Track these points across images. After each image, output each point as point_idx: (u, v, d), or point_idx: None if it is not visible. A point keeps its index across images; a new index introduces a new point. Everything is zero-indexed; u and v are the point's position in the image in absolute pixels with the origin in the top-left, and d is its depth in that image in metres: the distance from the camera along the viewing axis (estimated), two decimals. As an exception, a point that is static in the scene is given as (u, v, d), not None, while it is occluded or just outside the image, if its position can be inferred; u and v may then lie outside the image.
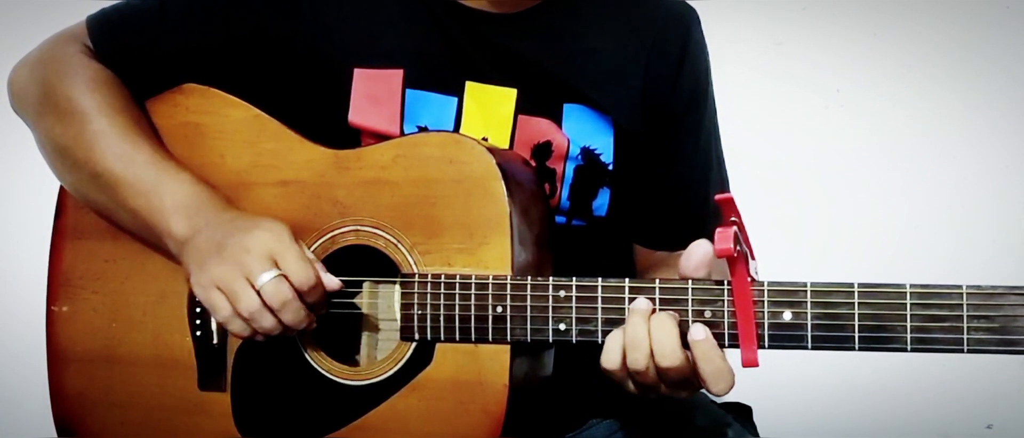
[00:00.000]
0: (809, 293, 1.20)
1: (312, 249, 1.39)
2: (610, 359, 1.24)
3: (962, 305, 1.16)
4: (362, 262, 1.39)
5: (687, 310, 1.24)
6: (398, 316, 1.35)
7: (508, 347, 1.31)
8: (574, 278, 1.28)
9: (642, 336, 1.22)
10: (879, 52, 2.18)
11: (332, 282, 1.35)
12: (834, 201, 2.18)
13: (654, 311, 1.24)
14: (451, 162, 1.34)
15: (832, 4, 2.18)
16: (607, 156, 1.48)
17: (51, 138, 1.47)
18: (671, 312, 1.23)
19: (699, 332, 1.22)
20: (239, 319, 1.33)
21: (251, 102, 1.45)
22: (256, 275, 1.31)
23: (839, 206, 2.18)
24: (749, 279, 1.21)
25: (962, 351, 1.17)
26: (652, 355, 1.22)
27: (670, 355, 1.21)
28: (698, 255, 1.23)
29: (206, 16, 1.46)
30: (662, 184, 1.51)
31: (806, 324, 1.20)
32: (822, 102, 2.19)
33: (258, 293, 1.31)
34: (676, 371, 1.22)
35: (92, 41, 1.49)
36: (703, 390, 1.24)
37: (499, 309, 1.30)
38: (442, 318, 1.33)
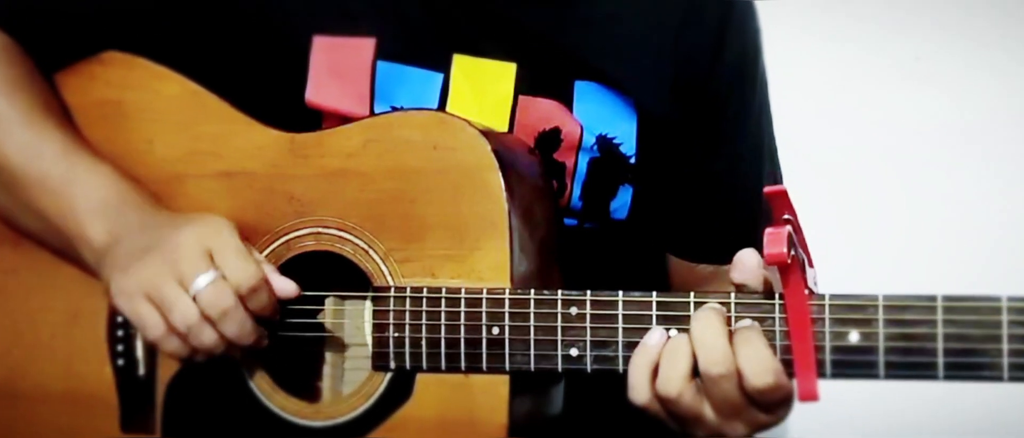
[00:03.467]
0: (881, 309, 1.21)
1: (263, 256, 1.39)
2: (638, 367, 1.24)
3: (1074, 322, 1.17)
4: (325, 272, 1.40)
5: (731, 329, 1.24)
6: (369, 340, 1.36)
7: (506, 378, 1.32)
8: (588, 292, 1.29)
9: (717, 342, 1.22)
10: (969, 9, 2.18)
11: (284, 286, 1.36)
12: (912, 194, 2.18)
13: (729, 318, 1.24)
14: (435, 148, 1.35)
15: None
16: (628, 147, 1.49)
17: (-68, 123, 1.48)
18: (715, 306, 1.24)
19: (745, 321, 1.24)
20: (174, 336, 1.34)
21: (187, 75, 1.46)
22: (191, 278, 1.32)
23: (918, 200, 2.17)
24: (806, 291, 1.21)
25: (1072, 381, 1.17)
26: (739, 374, 1.21)
27: (720, 361, 1.21)
28: (745, 267, 1.24)
29: (130, -37, 1.47)
30: (699, 181, 1.52)
31: (878, 347, 1.21)
32: (898, 72, 2.19)
33: (195, 300, 1.32)
34: (726, 379, 1.22)
35: (-15, 0, 1.50)
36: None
37: (495, 330, 1.31)
38: (424, 342, 1.33)
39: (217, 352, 1.35)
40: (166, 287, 1.32)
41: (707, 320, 1.23)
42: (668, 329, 1.25)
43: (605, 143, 1.48)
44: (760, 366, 1.21)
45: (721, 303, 1.25)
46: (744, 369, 1.21)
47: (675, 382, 1.23)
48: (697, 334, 1.22)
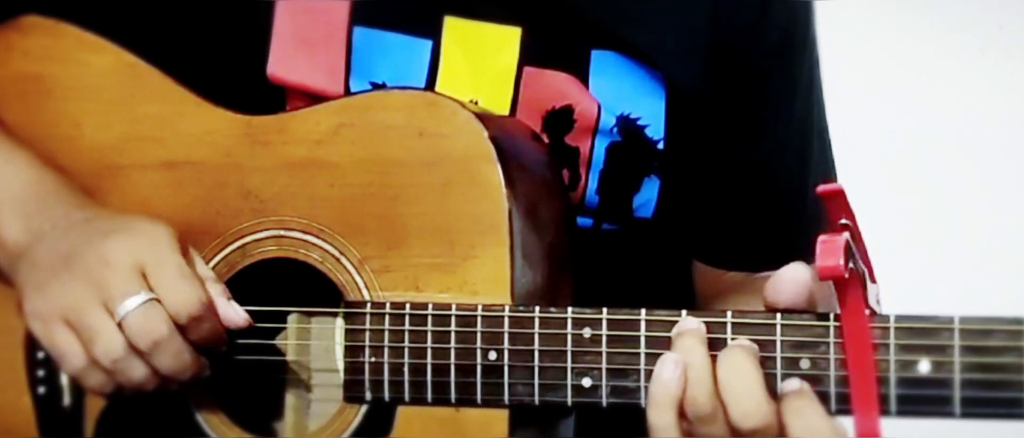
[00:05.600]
0: (957, 332, 1.20)
1: (213, 263, 1.40)
2: (660, 407, 1.23)
3: None
4: (288, 284, 1.40)
5: (775, 357, 1.24)
6: (341, 365, 1.36)
7: (505, 413, 1.31)
8: (605, 310, 1.28)
9: (701, 367, 1.22)
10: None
11: (232, 315, 1.36)
12: (993, 191, 2.17)
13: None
14: (421, 135, 1.35)
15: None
16: (656, 130, 1.49)
17: None
18: (745, 343, 1.23)
19: (793, 382, 1.23)
20: (98, 370, 1.33)
21: (123, 45, 1.46)
22: (118, 300, 1.31)
23: (1000, 198, 2.17)
24: (868, 312, 1.20)
25: None
26: (725, 411, 1.22)
27: (754, 412, 1.21)
28: (792, 283, 1.23)
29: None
30: (737, 172, 1.53)
31: (953, 380, 1.20)
32: (978, 45, 2.18)
33: (122, 327, 1.32)
34: (761, 435, 1.22)
35: None
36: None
37: (493, 355, 1.30)
38: (407, 368, 1.33)
39: (148, 387, 1.35)
40: (88, 312, 1.32)
41: (738, 364, 1.22)
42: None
43: (628, 125, 1.48)
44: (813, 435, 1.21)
45: (764, 324, 1.24)
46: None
47: (704, 402, 1.22)
48: (726, 381, 1.22)
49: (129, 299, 1.31)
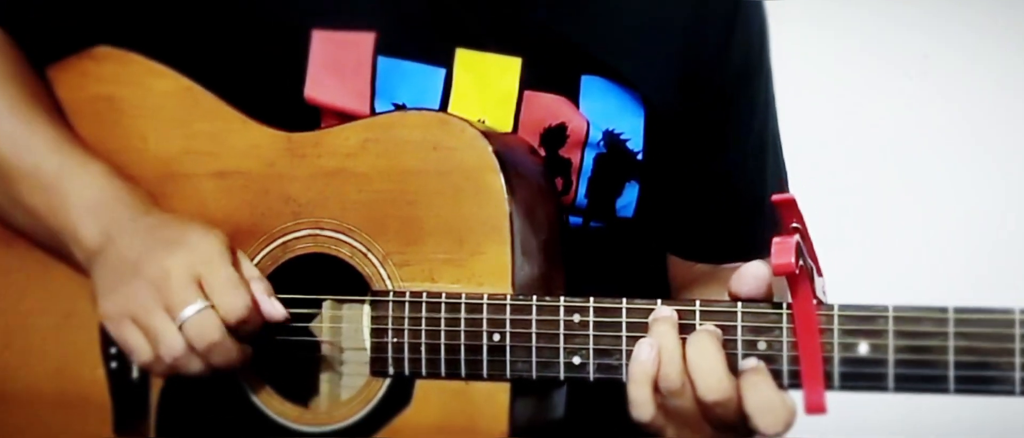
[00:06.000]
0: (891, 319, 1.20)
1: (258, 259, 1.39)
2: (638, 383, 1.23)
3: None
4: (322, 275, 1.39)
5: (736, 340, 1.23)
6: (368, 345, 1.35)
7: (507, 386, 1.31)
8: (592, 299, 1.28)
9: (672, 349, 1.22)
10: (974, 7, 2.17)
11: (276, 312, 1.36)
12: (922, 197, 2.17)
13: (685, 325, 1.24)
14: (435, 148, 1.34)
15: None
16: (636, 143, 1.48)
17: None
18: (710, 328, 1.23)
19: (751, 361, 1.23)
20: (161, 363, 1.34)
21: (181, 71, 1.45)
22: (178, 307, 1.32)
23: (928, 204, 2.17)
24: (815, 301, 1.20)
25: (1090, 396, 1.17)
26: (693, 386, 1.22)
27: (716, 387, 1.21)
28: (752, 278, 1.23)
29: (125, -44, 1.47)
30: (705, 178, 1.52)
31: (887, 360, 1.20)
32: (903, 70, 2.18)
33: (182, 329, 1.32)
34: (723, 407, 1.22)
35: (-26, -8, 1.49)
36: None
37: (496, 337, 1.30)
38: (424, 348, 1.32)
39: (205, 375, 1.34)
40: (153, 316, 1.32)
41: (704, 346, 1.22)
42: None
43: (612, 139, 1.48)
44: (768, 410, 1.21)
45: (726, 311, 1.24)
46: (751, 413, 1.21)
47: (675, 379, 1.22)
48: (694, 360, 1.22)
49: (188, 307, 1.31)
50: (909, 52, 2.17)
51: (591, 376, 1.28)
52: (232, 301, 1.32)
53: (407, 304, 1.33)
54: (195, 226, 1.37)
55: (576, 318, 1.28)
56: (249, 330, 1.34)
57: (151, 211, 1.40)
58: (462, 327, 1.31)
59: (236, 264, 1.35)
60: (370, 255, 1.36)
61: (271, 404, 1.39)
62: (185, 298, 1.32)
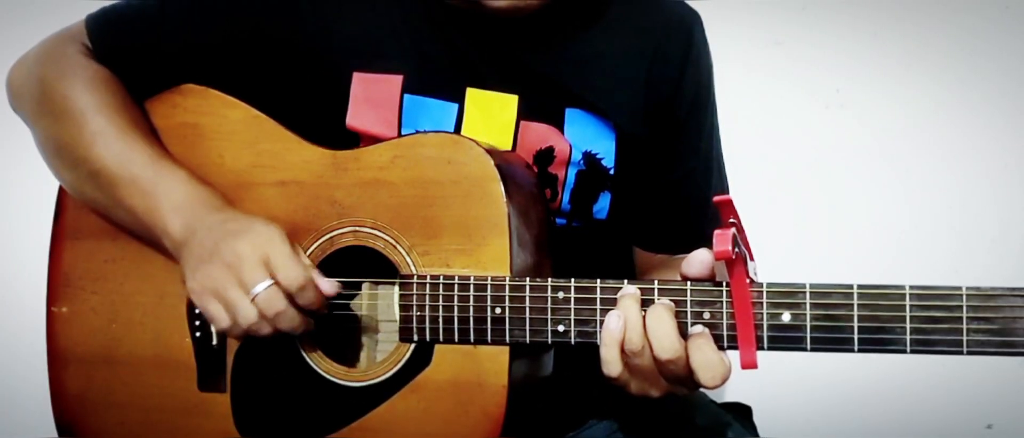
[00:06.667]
0: (808, 294, 1.20)
1: (310, 251, 1.38)
2: (608, 346, 1.23)
3: (962, 307, 1.15)
4: (361, 263, 1.39)
5: (686, 311, 1.23)
6: (397, 317, 1.35)
7: (507, 348, 1.31)
8: (573, 279, 1.28)
9: (635, 319, 1.22)
10: (880, 51, 2.17)
11: (327, 286, 1.35)
12: (834, 202, 2.17)
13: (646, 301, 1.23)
14: (449, 163, 1.34)
15: (832, 3, 2.17)
16: (609, 160, 1.48)
17: (50, 137, 1.47)
18: (666, 302, 1.23)
19: (697, 328, 1.22)
20: (238, 329, 1.33)
21: (249, 103, 1.45)
22: (251, 284, 1.31)
23: (839, 207, 2.17)
24: (748, 281, 1.20)
25: (962, 353, 1.16)
26: (651, 347, 1.21)
27: (669, 348, 1.21)
28: (698, 263, 1.23)
29: (206, 15, 1.46)
30: (662, 187, 1.51)
31: (805, 326, 1.20)
32: (822, 102, 2.18)
33: (254, 302, 1.31)
34: (675, 365, 1.21)
35: (91, 40, 1.49)
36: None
37: (498, 310, 1.30)
38: (441, 319, 1.32)
39: (272, 338, 1.34)
40: (230, 291, 1.32)
41: (660, 316, 1.22)
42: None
43: (590, 158, 1.47)
44: (710, 366, 1.21)
45: (678, 289, 1.24)
46: (696, 369, 1.21)
47: (636, 342, 1.22)
48: (652, 327, 1.22)
49: (259, 284, 1.31)
50: (824, 87, 2.17)
51: (573, 341, 1.28)
52: (293, 274, 1.32)
53: (428, 285, 1.33)
54: (258, 219, 1.37)
55: (561, 295, 1.28)
56: (308, 299, 1.33)
57: (224, 209, 1.40)
58: (471, 303, 1.31)
59: (294, 251, 1.35)
60: (398, 247, 1.35)
61: (322, 365, 1.39)
62: (256, 277, 1.31)
